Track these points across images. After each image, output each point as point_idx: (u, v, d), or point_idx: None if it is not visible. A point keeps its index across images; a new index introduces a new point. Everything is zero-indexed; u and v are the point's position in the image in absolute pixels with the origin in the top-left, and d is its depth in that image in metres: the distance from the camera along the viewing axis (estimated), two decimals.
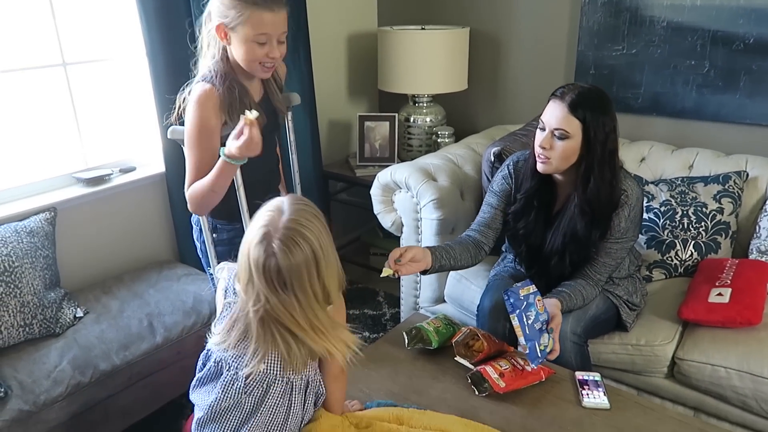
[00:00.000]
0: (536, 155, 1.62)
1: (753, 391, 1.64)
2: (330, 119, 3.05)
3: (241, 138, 1.40)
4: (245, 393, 1.19)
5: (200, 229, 1.70)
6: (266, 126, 1.58)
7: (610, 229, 1.65)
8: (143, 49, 2.15)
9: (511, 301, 1.45)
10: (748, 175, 2.14)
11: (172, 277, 2.21)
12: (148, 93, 2.21)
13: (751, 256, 2.01)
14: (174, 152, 2.25)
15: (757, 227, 2.03)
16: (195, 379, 1.28)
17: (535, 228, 1.74)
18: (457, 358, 1.57)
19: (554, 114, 1.55)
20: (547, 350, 1.51)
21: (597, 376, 1.53)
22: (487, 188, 2.19)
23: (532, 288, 1.51)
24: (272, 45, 1.49)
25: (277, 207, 1.12)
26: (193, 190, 1.54)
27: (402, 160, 2.69)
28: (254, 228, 1.11)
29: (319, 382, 1.25)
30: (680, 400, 1.78)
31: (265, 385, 1.19)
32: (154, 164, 2.37)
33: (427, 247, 1.67)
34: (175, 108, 1.59)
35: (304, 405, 1.23)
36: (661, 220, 2.08)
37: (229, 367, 1.22)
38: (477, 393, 1.47)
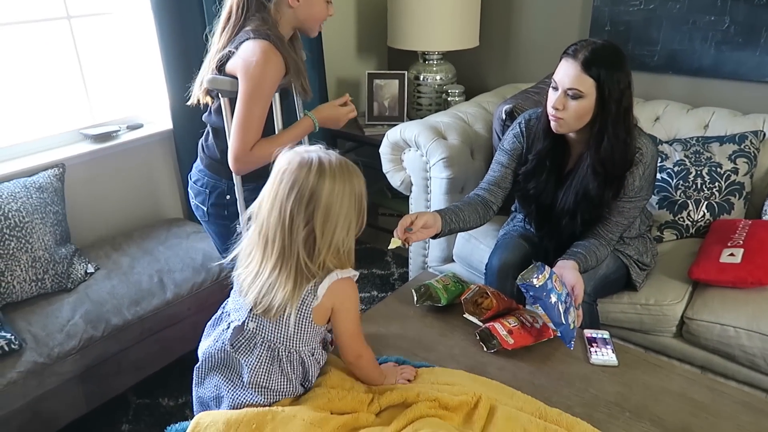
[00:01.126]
0: (549, 115, 1.58)
1: (761, 350, 1.64)
2: (339, 77, 3.00)
3: (348, 109, 1.68)
4: (232, 347, 1.20)
5: (211, 192, 1.67)
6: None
7: (624, 187, 1.62)
8: (149, 2, 2.10)
9: (531, 294, 1.41)
10: (765, 134, 2.10)
11: (181, 234, 2.21)
12: (155, 48, 2.17)
13: (765, 217, 1.99)
14: (182, 109, 2.22)
15: None
16: (206, 327, 1.30)
17: (546, 187, 1.71)
18: (466, 315, 1.57)
19: (567, 73, 1.50)
20: (576, 323, 1.50)
21: (605, 334, 1.53)
22: (497, 147, 2.16)
23: (547, 272, 1.43)
24: (331, 4, 1.61)
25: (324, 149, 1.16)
26: (261, 151, 1.51)
27: (411, 119, 2.65)
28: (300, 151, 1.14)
29: (318, 355, 1.26)
30: (687, 359, 1.79)
31: (251, 345, 1.19)
32: (161, 121, 2.35)
33: (436, 211, 1.64)
34: (210, 60, 1.58)
35: (304, 375, 1.24)
36: (674, 180, 2.05)
37: (228, 316, 1.25)
38: (485, 349, 1.47)
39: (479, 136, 2.26)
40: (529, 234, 1.87)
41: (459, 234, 2.18)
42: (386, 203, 3.06)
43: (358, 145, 2.97)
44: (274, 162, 1.17)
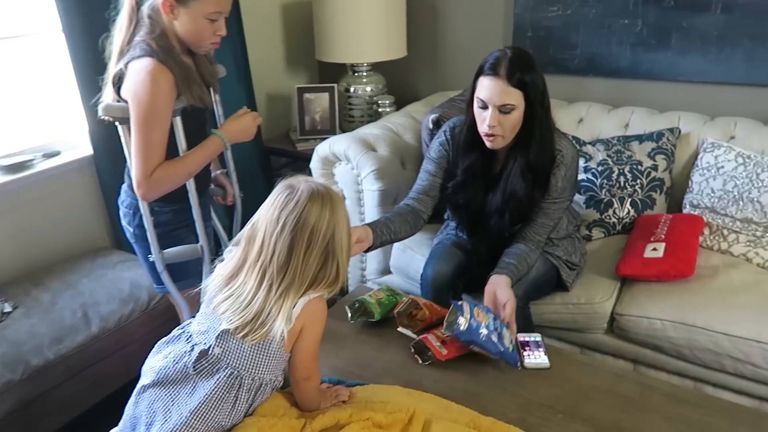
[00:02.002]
0: (483, 134, 1.59)
1: (687, 340, 1.70)
2: (268, 92, 2.96)
3: (251, 116, 1.61)
4: (194, 369, 1.16)
5: (135, 213, 1.62)
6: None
7: (548, 190, 1.65)
8: (59, 24, 2.01)
9: (463, 339, 1.41)
10: (680, 131, 2.18)
11: (107, 264, 2.12)
12: (69, 72, 2.08)
13: (685, 210, 2.06)
14: (103, 134, 2.14)
15: (690, 182, 2.08)
16: (157, 344, 1.26)
17: (476, 196, 1.73)
18: (400, 329, 1.56)
19: (494, 90, 1.51)
20: (513, 339, 1.50)
21: (538, 337, 1.55)
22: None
23: (467, 309, 1.42)
24: (221, 22, 1.49)
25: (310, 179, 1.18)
26: (164, 173, 1.48)
27: (344, 132, 2.64)
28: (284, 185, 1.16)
29: (277, 382, 1.23)
30: (620, 353, 1.84)
31: (213, 370, 1.16)
32: (80, 147, 2.25)
33: (367, 225, 1.63)
34: (106, 85, 1.52)
35: (251, 403, 1.20)
36: (599, 180, 2.11)
37: (189, 338, 1.20)
38: (420, 362, 1.47)
39: (409, 147, 2.27)
40: (462, 241, 1.88)
41: (395, 245, 2.17)
42: None
43: (291, 161, 2.93)
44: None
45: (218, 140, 1.57)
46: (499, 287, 1.56)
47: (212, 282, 1.19)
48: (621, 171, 2.11)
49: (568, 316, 1.84)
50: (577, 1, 2.42)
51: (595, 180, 2.11)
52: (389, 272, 2.24)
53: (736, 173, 1.95)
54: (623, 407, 1.32)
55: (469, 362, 1.47)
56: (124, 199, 1.66)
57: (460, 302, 1.43)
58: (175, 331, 1.25)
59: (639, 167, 2.11)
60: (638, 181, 2.10)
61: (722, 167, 1.98)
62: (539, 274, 1.74)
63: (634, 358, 1.82)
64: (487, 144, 1.61)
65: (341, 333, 1.61)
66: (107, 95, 1.52)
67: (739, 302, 1.70)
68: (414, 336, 1.54)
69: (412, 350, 1.49)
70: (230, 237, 1.83)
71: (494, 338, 1.44)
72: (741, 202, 1.90)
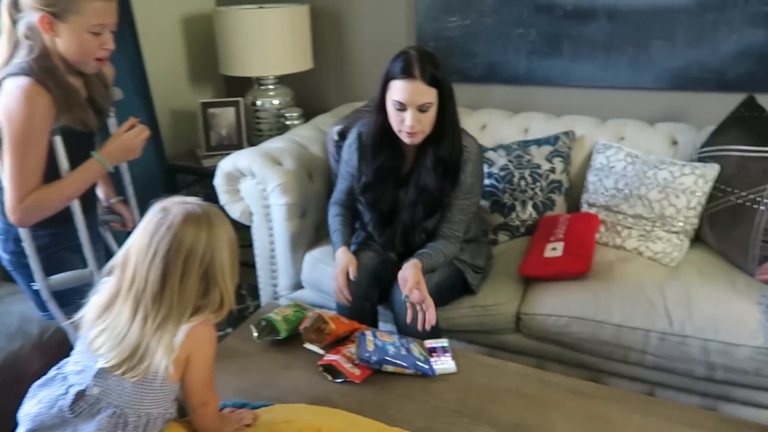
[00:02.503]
0: (403, 133, 1.63)
1: (588, 334, 1.76)
2: (172, 109, 2.86)
3: (134, 132, 1.47)
4: (72, 412, 1.08)
5: (7, 239, 1.51)
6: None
7: (459, 185, 1.71)
8: None
9: (374, 361, 1.41)
10: (575, 134, 2.28)
11: None
12: None
13: (582, 210, 2.16)
14: None
15: (586, 182, 2.17)
16: (31, 387, 1.16)
17: (384, 194, 1.78)
18: (307, 345, 1.54)
19: (413, 91, 1.57)
20: (423, 352, 1.51)
21: (445, 342, 1.56)
22: (334, 168, 2.17)
23: (369, 334, 1.47)
24: (107, 35, 1.41)
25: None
26: (39, 200, 1.38)
27: (253, 146, 2.58)
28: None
29: (168, 414, 1.16)
30: (528, 351, 1.88)
31: (94, 411, 1.08)
32: None
33: (343, 247, 1.78)
34: None
35: None
36: (501, 184, 2.17)
37: (64, 380, 1.12)
38: (332, 380, 1.44)
39: (316, 159, 2.25)
40: (373, 249, 1.88)
41: (305, 258, 2.14)
42: (238, 235, 2.94)
43: (198, 178, 2.84)
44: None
45: (96, 163, 1.46)
46: (405, 267, 1.63)
47: (86, 315, 1.11)
48: (522, 175, 2.18)
49: (475, 319, 1.87)
50: (474, 12, 2.49)
51: (498, 185, 2.17)
52: (301, 287, 2.21)
53: (626, 172, 2.05)
54: (526, 405, 1.35)
55: (378, 375, 1.46)
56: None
57: (361, 332, 1.44)
58: (51, 372, 1.17)
59: (538, 170, 2.18)
60: (538, 183, 2.17)
61: (614, 167, 2.09)
62: (443, 278, 1.77)
63: (541, 355, 1.88)
64: (408, 141, 1.66)
65: (247, 353, 1.57)
66: None
67: (632, 294, 1.78)
68: (321, 352, 1.51)
69: (321, 369, 1.46)
70: None
71: (403, 351, 1.45)
72: (632, 199, 2.01)
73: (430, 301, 1.59)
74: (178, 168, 2.73)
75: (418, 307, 1.60)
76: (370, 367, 1.41)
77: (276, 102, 2.75)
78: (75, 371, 1.12)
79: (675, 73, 2.28)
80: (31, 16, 1.34)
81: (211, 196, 2.87)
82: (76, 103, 1.41)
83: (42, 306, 1.57)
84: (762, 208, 1.78)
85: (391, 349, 1.42)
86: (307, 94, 2.95)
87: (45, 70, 1.36)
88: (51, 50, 1.39)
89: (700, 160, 2.03)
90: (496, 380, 1.44)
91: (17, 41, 1.39)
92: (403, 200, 1.76)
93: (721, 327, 1.65)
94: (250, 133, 2.80)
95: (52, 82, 1.36)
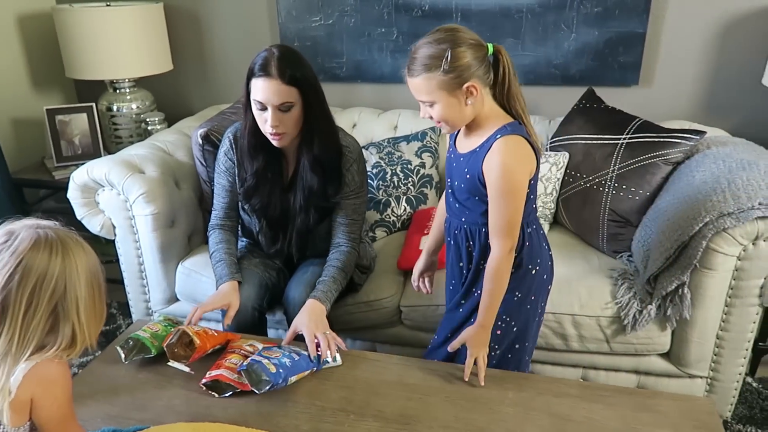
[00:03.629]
0: (268, 134, 1.58)
1: None
2: (13, 117, 2.59)
3: None
4: None
5: None
6: None
7: (347, 185, 1.70)
8: None
9: (280, 382, 1.35)
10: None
11: None
12: None
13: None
14: None
15: None
16: None
17: (271, 199, 1.72)
18: (171, 363, 1.45)
19: (270, 90, 1.51)
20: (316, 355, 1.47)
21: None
22: (202, 173, 2.08)
23: (258, 360, 1.38)
24: None
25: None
26: None
27: (113, 154, 2.41)
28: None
29: None
30: (414, 342, 1.93)
31: None
32: None
33: (228, 280, 1.66)
34: None
35: None
36: (375, 182, 2.21)
37: None
38: (219, 396, 1.38)
39: (182, 165, 2.15)
40: (258, 257, 1.83)
41: (178, 270, 2.04)
42: (100, 249, 2.72)
43: (51, 192, 2.61)
44: None
45: None
46: (302, 315, 1.55)
47: None
48: (394, 171, 2.23)
49: (360, 315, 1.88)
50: (336, 12, 2.50)
51: (372, 182, 2.20)
52: (177, 300, 2.10)
53: None
54: (409, 395, 1.38)
55: None
56: None
57: (245, 365, 1.37)
58: None
59: (409, 166, 2.25)
60: (410, 179, 2.24)
61: None
62: None
63: (424, 344, 1.92)
64: (274, 143, 1.61)
65: (116, 376, 1.46)
66: None
67: None
68: (186, 369, 1.44)
69: (204, 389, 1.39)
70: None
71: (296, 358, 1.42)
72: None
73: (332, 334, 1.51)
74: (25, 182, 2.48)
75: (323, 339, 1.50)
76: (277, 388, 1.36)
77: (134, 106, 2.59)
78: None
79: (526, 69, 2.45)
80: None
81: (67, 211, 2.66)
82: None
83: None
84: (606, 190, 1.97)
85: (287, 362, 1.39)
86: (169, 98, 2.81)
87: None
88: None
89: (552, 149, 2.20)
90: (379, 374, 1.46)
91: None
92: (293, 206, 1.72)
93: (577, 301, 1.79)
94: (108, 141, 2.61)
95: None
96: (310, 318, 1.53)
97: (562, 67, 2.42)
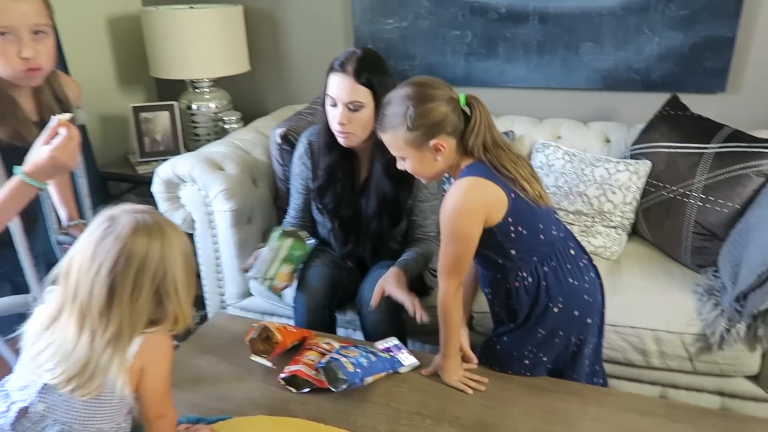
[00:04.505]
0: (336, 132, 1.61)
1: None
2: (101, 114, 2.72)
3: (60, 138, 1.15)
4: (13, 431, 1.01)
5: None
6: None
7: (425, 187, 1.71)
8: None
9: (357, 381, 1.36)
10: (514, 134, 2.34)
11: None
12: None
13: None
14: None
15: None
16: None
17: (343, 199, 1.74)
18: (253, 357, 1.48)
19: (342, 87, 1.55)
20: (381, 353, 1.49)
21: (395, 340, 1.56)
22: (278, 172, 2.13)
23: (338, 359, 1.38)
24: (23, 40, 1.24)
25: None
26: None
27: (190, 151, 2.49)
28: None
29: (120, 429, 1.09)
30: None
31: (39, 429, 1.02)
32: None
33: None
34: None
35: None
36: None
37: (6, 397, 1.04)
38: (297, 391, 1.40)
39: (260, 163, 2.20)
40: (329, 256, 1.85)
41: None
42: None
43: (133, 186, 2.72)
44: None
45: (23, 184, 1.18)
46: (385, 278, 1.60)
47: (31, 327, 1.03)
48: None
49: (431, 318, 1.87)
50: (411, 14, 2.51)
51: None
52: (250, 294, 2.15)
53: (564, 170, 2.13)
54: (486, 403, 1.37)
55: None
56: None
57: (324, 362, 1.39)
58: None
59: None
60: None
61: (553, 165, 2.16)
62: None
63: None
64: (341, 141, 1.63)
65: (198, 366, 1.51)
66: None
67: None
68: (269, 364, 1.47)
69: (283, 383, 1.42)
70: None
71: (373, 359, 1.43)
72: (572, 196, 2.08)
73: (412, 299, 1.56)
74: (111, 176, 2.60)
75: (416, 305, 1.56)
76: (353, 388, 1.38)
77: (213, 105, 2.68)
78: (18, 387, 1.04)
79: (604, 74, 2.38)
80: None
81: (148, 204, 2.77)
82: (11, 116, 1.29)
83: None
84: (691, 201, 1.89)
85: (365, 362, 1.40)
86: (245, 97, 2.88)
87: None
88: None
89: (632, 157, 2.13)
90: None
91: None
92: (365, 211, 1.74)
93: (659, 316, 1.73)
94: (186, 138, 2.71)
95: None
96: (399, 281, 1.57)
97: (643, 72, 2.34)
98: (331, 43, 2.70)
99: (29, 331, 1.04)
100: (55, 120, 1.19)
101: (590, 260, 1.48)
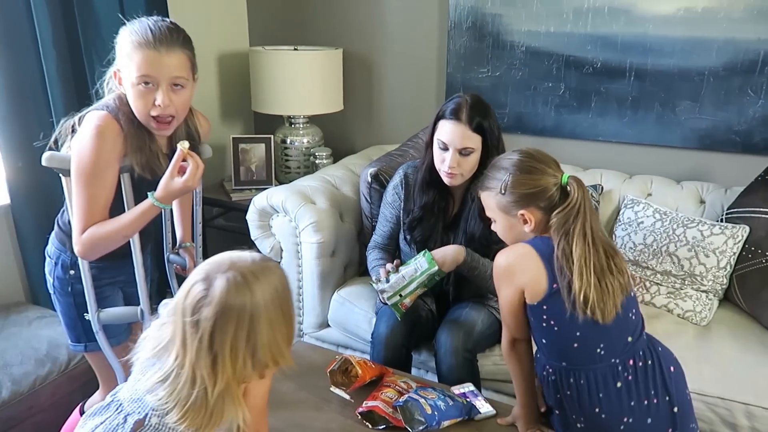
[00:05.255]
0: (443, 173, 1.69)
1: None
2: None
3: (190, 169, 1.34)
4: None
5: (56, 264, 1.52)
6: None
7: None
8: None
9: (435, 423, 1.39)
10: (603, 188, 2.32)
11: (21, 321, 1.97)
12: None
13: None
14: (22, 182, 2.03)
15: (614, 236, 2.19)
16: (82, 418, 1.15)
17: (433, 233, 1.81)
18: (333, 389, 1.52)
19: (456, 134, 1.63)
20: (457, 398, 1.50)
21: (470, 386, 1.56)
22: (365, 209, 2.19)
23: (415, 399, 1.42)
24: (162, 90, 1.33)
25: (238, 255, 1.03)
26: (95, 235, 1.35)
27: (280, 183, 2.62)
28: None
29: None
30: None
31: None
32: None
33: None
34: (57, 132, 1.43)
35: None
36: None
37: (120, 408, 1.10)
38: (372, 427, 1.43)
39: (347, 199, 2.28)
40: None
41: (333, 298, 2.15)
42: None
43: (224, 211, 2.87)
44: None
45: (149, 203, 1.38)
46: (447, 248, 1.67)
47: (144, 344, 1.08)
48: None
49: (504, 367, 1.85)
50: (505, 65, 2.56)
51: None
52: (327, 326, 2.20)
53: (654, 228, 2.08)
54: None
55: None
56: (49, 246, 1.56)
57: (402, 401, 1.42)
58: (106, 399, 1.16)
59: None
60: None
61: (642, 222, 2.11)
62: (484, 327, 1.77)
63: None
64: (447, 181, 1.71)
65: (278, 391, 1.56)
66: (67, 144, 1.43)
67: None
68: (347, 397, 1.50)
69: (359, 417, 1.45)
70: None
71: (450, 403, 1.44)
72: (660, 256, 2.02)
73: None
74: (206, 200, 2.75)
75: None
76: (429, 430, 1.38)
77: (305, 140, 2.81)
78: (131, 399, 1.10)
79: (702, 134, 2.33)
80: (112, 69, 1.40)
81: (234, 229, 2.91)
82: (147, 148, 1.40)
83: (74, 337, 1.57)
84: None
85: (442, 405, 1.41)
86: (336, 135, 3.01)
87: (124, 111, 1.38)
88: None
89: (728, 220, 2.05)
90: None
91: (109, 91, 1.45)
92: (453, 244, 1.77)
93: (752, 390, 1.64)
94: (278, 170, 2.84)
95: (126, 121, 1.37)
96: (458, 254, 1.65)
97: (744, 134, 2.27)
98: (424, 89, 2.79)
99: (143, 349, 1.07)
100: (179, 150, 1.34)
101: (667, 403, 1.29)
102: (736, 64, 2.20)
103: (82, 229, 1.37)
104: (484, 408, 1.48)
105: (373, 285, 1.72)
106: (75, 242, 1.38)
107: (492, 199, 1.34)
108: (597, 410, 1.27)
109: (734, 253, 1.95)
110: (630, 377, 1.27)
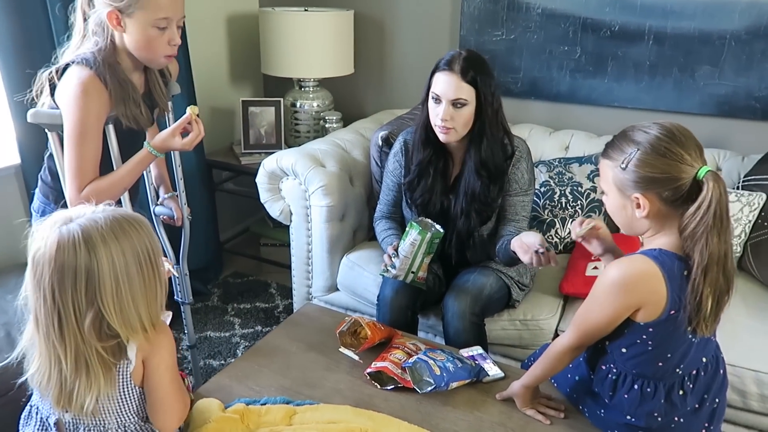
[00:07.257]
0: (437, 127, 1.66)
1: None
2: (212, 106, 2.89)
3: (191, 135, 1.45)
4: None
5: (42, 216, 1.52)
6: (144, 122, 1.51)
7: (516, 182, 1.73)
8: None
9: (444, 383, 1.38)
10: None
11: None
12: None
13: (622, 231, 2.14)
14: (32, 142, 2.02)
15: None
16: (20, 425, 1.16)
17: (433, 195, 1.79)
18: (342, 350, 1.53)
19: (448, 85, 1.60)
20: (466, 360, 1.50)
21: (479, 349, 1.56)
22: (375, 173, 2.18)
23: (424, 360, 1.41)
24: (173, 30, 1.41)
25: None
26: (97, 189, 1.38)
27: (289, 147, 2.60)
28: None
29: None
30: None
31: None
32: (6, 156, 2.10)
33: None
34: (35, 87, 1.44)
35: None
36: (542, 201, 2.17)
37: (38, 412, 1.11)
38: (380, 387, 1.43)
39: (357, 163, 2.26)
40: None
41: (342, 262, 2.15)
42: (268, 233, 2.96)
43: (234, 175, 2.86)
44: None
45: (146, 152, 1.46)
46: (525, 235, 1.55)
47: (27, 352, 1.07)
48: (562, 192, 2.17)
49: (514, 332, 1.86)
50: (520, 27, 2.50)
51: (537, 201, 2.17)
52: (336, 289, 2.21)
53: None
54: (572, 424, 1.34)
55: None
56: (34, 203, 1.60)
57: (411, 362, 1.42)
58: (26, 408, 1.16)
59: (579, 189, 2.18)
60: (578, 202, 2.17)
61: None
62: (493, 291, 1.77)
63: None
64: (441, 136, 1.68)
65: (289, 351, 1.57)
66: (44, 97, 1.43)
67: None
68: (356, 357, 1.51)
69: (368, 378, 1.46)
70: (177, 258, 1.77)
71: (459, 365, 1.44)
72: None
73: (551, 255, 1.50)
74: (216, 164, 2.75)
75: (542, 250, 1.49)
76: (437, 391, 1.39)
77: (315, 104, 2.77)
78: (41, 399, 1.10)
79: (720, 100, 2.27)
80: (101, 11, 1.37)
81: (242, 193, 2.91)
82: (131, 100, 1.43)
83: None
84: None
85: (451, 366, 1.42)
86: (346, 99, 2.97)
87: (107, 64, 1.39)
88: (119, 46, 1.42)
89: (744, 188, 2.02)
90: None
91: (86, 36, 1.42)
92: (453, 209, 1.77)
93: (763, 357, 1.63)
94: (288, 134, 2.82)
95: (111, 77, 1.39)
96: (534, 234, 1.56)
97: (765, 101, 2.21)
98: (436, 52, 2.69)
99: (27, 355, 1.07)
100: (188, 112, 1.43)
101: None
102: (759, 28, 2.13)
103: (79, 186, 1.39)
104: (493, 370, 1.48)
105: (383, 275, 1.70)
106: (71, 202, 1.40)
107: (610, 170, 1.16)
108: (655, 414, 1.22)
109: (749, 221, 1.92)
110: (692, 385, 1.22)
